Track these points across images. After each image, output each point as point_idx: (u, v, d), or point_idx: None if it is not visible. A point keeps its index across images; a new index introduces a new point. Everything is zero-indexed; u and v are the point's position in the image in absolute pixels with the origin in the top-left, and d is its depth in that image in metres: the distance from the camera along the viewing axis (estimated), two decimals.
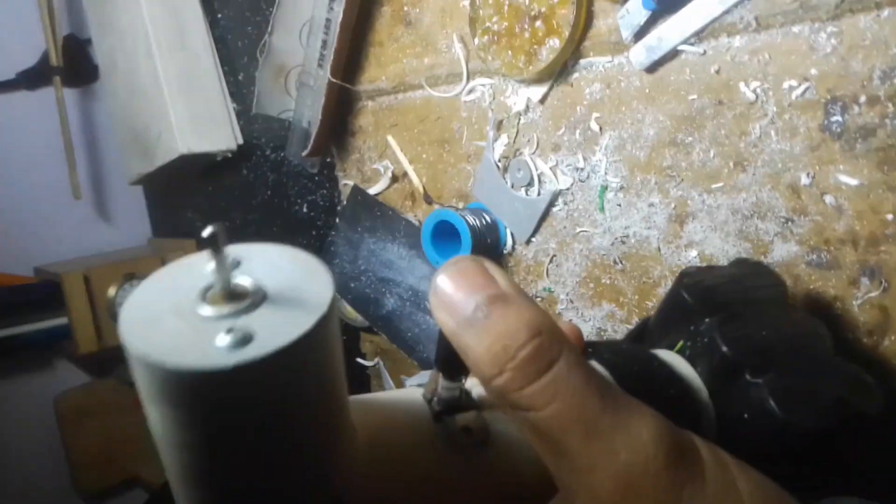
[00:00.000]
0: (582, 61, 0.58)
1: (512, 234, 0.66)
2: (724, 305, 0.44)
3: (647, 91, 0.55)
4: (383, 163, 0.76)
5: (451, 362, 0.26)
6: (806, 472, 0.38)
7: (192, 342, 0.19)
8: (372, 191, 0.77)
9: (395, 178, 0.76)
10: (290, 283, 0.21)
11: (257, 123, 0.91)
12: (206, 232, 0.20)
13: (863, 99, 0.46)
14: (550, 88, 0.60)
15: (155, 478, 1.11)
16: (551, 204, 0.63)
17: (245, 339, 0.19)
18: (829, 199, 0.48)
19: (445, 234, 0.67)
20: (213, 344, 0.19)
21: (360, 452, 0.25)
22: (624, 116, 0.57)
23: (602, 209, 0.60)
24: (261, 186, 0.93)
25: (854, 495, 0.35)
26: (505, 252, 0.67)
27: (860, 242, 0.47)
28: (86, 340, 1.02)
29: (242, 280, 0.21)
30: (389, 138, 0.74)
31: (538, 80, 0.60)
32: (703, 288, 0.46)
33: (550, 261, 0.64)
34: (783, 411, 0.37)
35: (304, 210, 0.88)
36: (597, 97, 0.58)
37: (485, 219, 0.67)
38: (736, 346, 0.40)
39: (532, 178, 0.63)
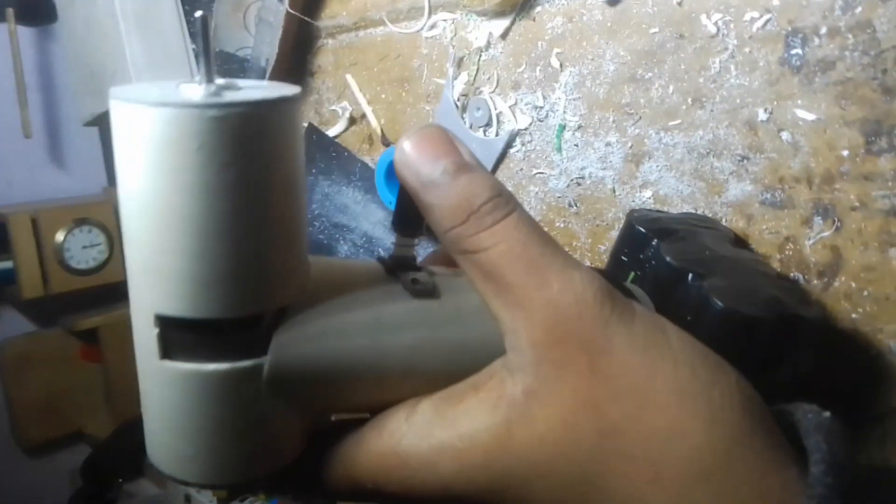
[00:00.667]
0: None
1: None
2: (671, 232, 0.44)
3: (609, 25, 0.53)
4: (342, 104, 0.74)
5: (408, 220, 0.29)
6: (748, 370, 0.38)
7: (172, 95, 0.22)
8: (329, 133, 0.75)
9: (353, 120, 0.73)
10: (262, 85, 0.25)
11: (217, 63, 0.88)
12: (198, 14, 0.23)
13: (823, 30, 0.45)
14: (512, 23, 0.58)
15: (99, 431, 1.08)
16: (509, 145, 0.61)
17: (216, 95, 0.22)
18: (785, 135, 0.47)
19: None
20: (189, 97, 0.22)
21: (311, 277, 0.27)
22: (585, 52, 0.55)
23: (559, 149, 0.58)
24: None
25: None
26: None
27: (815, 180, 0.46)
28: (31, 285, 0.98)
29: (221, 79, 0.24)
30: (349, 77, 0.72)
31: (500, 12, 0.58)
32: (651, 218, 0.46)
33: None
34: (723, 302, 0.37)
35: None
36: (558, 32, 0.56)
37: None
38: (679, 257, 0.41)
39: (491, 118, 0.61)
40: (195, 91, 0.23)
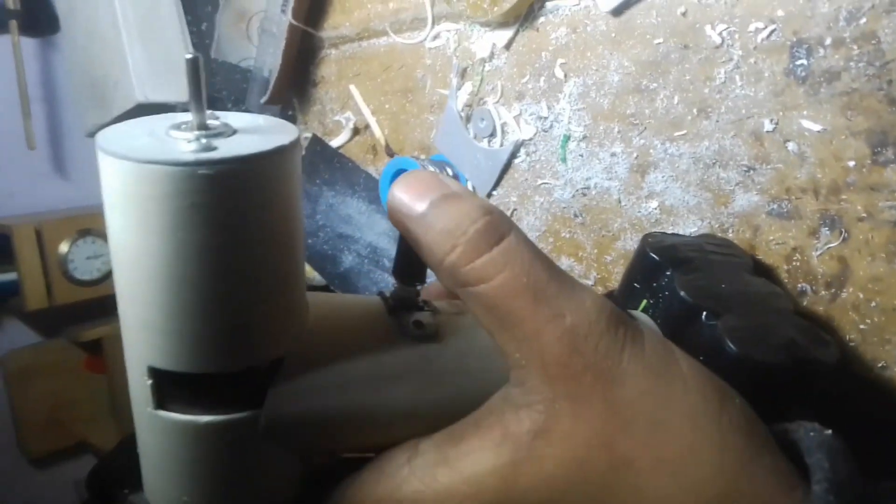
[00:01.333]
0: (548, 4, 0.56)
1: (473, 187, 0.65)
2: (686, 261, 0.43)
3: (613, 35, 0.53)
4: (345, 114, 0.74)
5: (407, 268, 0.28)
6: (761, 414, 0.38)
7: (161, 149, 0.22)
8: (333, 143, 0.75)
9: (356, 130, 0.73)
10: (258, 127, 0.24)
11: (219, 76, 0.88)
12: (188, 56, 0.22)
13: (828, 41, 0.45)
14: (516, 33, 0.58)
15: (104, 442, 1.08)
16: (513, 155, 0.61)
17: (208, 148, 0.22)
18: (791, 146, 0.47)
19: None
20: (179, 149, 0.22)
21: (309, 323, 0.27)
22: (589, 62, 0.55)
23: (564, 160, 0.58)
24: None
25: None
26: None
27: (821, 191, 0.46)
28: (35, 296, 0.98)
29: (214, 120, 0.23)
30: (352, 88, 0.72)
31: (504, 23, 0.58)
32: (666, 245, 0.45)
33: (511, 214, 0.63)
34: (737, 346, 0.36)
35: None
36: (562, 42, 0.56)
37: (446, 171, 0.65)
38: (693, 292, 0.40)
39: (495, 129, 0.61)
40: (186, 140, 0.22)
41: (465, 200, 0.25)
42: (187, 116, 0.23)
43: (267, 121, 0.25)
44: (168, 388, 0.25)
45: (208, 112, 0.23)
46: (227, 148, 0.22)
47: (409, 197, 0.25)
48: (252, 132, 0.24)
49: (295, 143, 0.24)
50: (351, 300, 0.31)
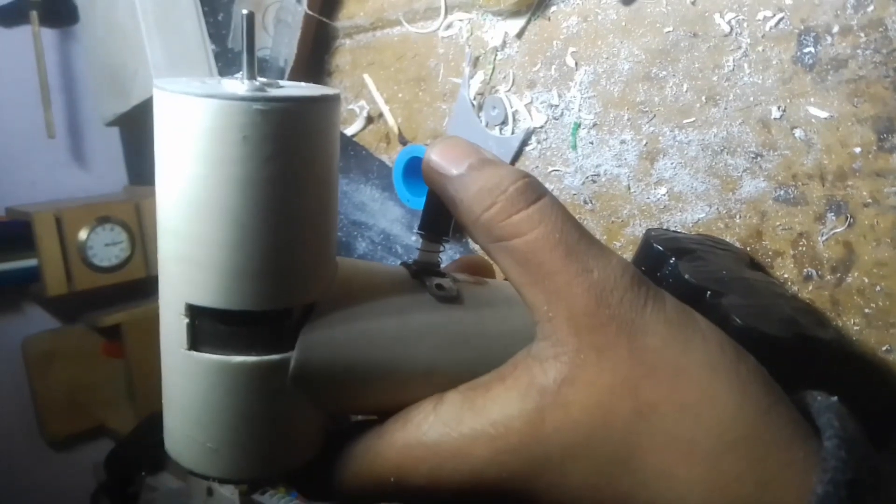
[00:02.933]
0: None
1: None
2: (688, 251, 0.44)
3: (624, 24, 0.54)
4: (359, 103, 0.75)
5: (436, 223, 0.30)
6: None
7: (218, 88, 0.23)
8: (347, 132, 0.76)
9: (370, 119, 0.75)
10: (302, 87, 0.26)
11: (236, 65, 0.89)
12: (244, 12, 0.24)
13: (836, 29, 0.45)
14: (528, 22, 0.59)
15: (122, 426, 1.10)
16: (524, 143, 0.62)
17: (261, 89, 0.24)
18: (798, 132, 0.47)
19: (418, 173, 0.66)
20: (234, 91, 0.23)
21: (338, 278, 0.28)
22: (600, 51, 0.56)
23: (574, 147, 0.59)
24: None
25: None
26: None
27: (828, 177, 0.47)
28: (55, 282, 1.00)
29: (263, 78, 0.25)
30: (366, 77, 0.73)
31: (515, 12, 0.59)
32: (669, 237, 0.46)
33: None
34: (742, 320, 0.37)
35: None
36: (573, 31, 0.57)
37: None
38: (697, 275, 0.41)
39: (506, 116, 0.62)
40: (239, 86, 0.24)
41: (502, 165, 0.27)
42: (238, 76, 0.25)
43: (309, 85, 0.27)
44: (204, 327, 0.26)
45: (259, 78, 0.25)
46: (278, 92, 0.24)
47: (449, 158, 0.27)
48: (298, 87, 0.26)
49: (337, 97, 0.26)
50: (376, 265, 0.32)
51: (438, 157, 0.27)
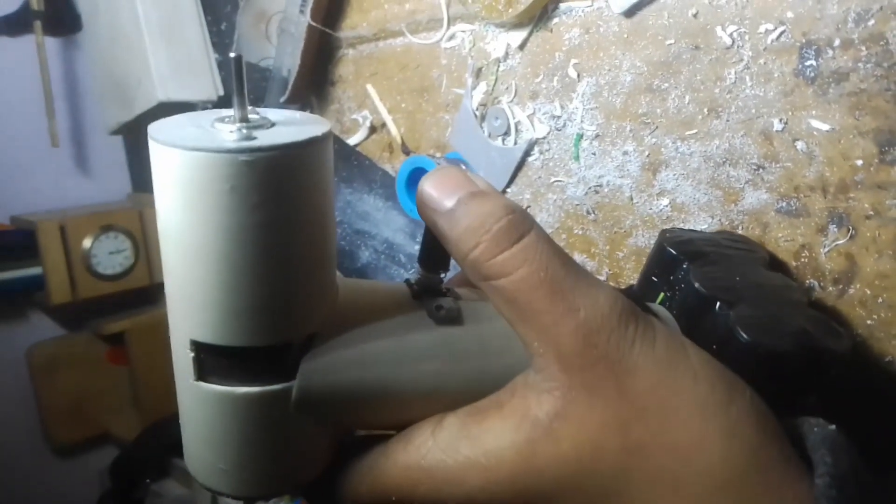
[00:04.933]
0: (562, 5, 0.57)
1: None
2: (702, 255, 0.44)
3: (626, 36, 0.54)
4: (362, 113, 0.75)
5: (431, 257, 0.30)
6: (771, 402, 0.39)
7: (205, 138, 0.24)
8: (350, 141, 0.77)
9: (373, 129, 0.75)
10: (294, 120, 0.26)
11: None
12: (232, 55, 0.25)
13: (837, 42, 0.45)
14: (530, 34, 0.60)
15: (126, 433, 1.11)
16: (527, 153, 0.62)
17: (248, 138, 0.24)
18: (800, 145, 0.48)
19: None
20: (222, 138, 0.24)
21: (339, 303, 0.29)
22: (602, 62, 0.56)
23: (577, 158, 0.59)
24: None
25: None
26: None
27: (829, 189, 0.47)
28: (59, 291, 1.01)
29: (254, 115, 0.25)
30: (369, 87, 0.73)
31: (518, 24, 0.60)
32: (683, 240, 0.46)
33: None
34: (748, 334, 0.37)
35: None
36: (575, 43, 0.57)
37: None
38: (708, 284, 0.41)
39: (509, 127, 0.63)
40: (229, 131, 0.24)
41: (489, 199, 0.26)
42: (231, 111, 0.25)
43: (303, 116, 0.27)
44: (208, 360, 0.27)
45: (249, 108, 0.25)
46: (266, 138, 0.24)
47: (438, 193, 0.27)
48: (289, 124, 0.26)
49: (327, 135, 0.26)
50: (378, 285, 0.33)
51: (431, 189, 0.27)
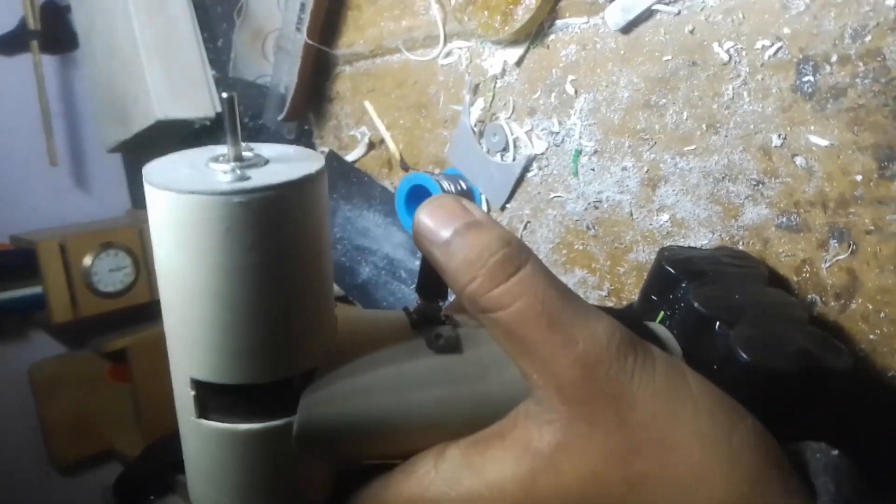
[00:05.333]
0: (558, 22, 0.57)
1: (487, 201, 0.66)
2: (701, 273, 0.44)
3: (622, 52, 0.54)
4: (360, 129, 0.75)
5: (429, 286, 0.30)
6: (773, 421, 0.38)
7: (199, 180, 0.24)
8: (349, 157, 0.77)
9: (371, 145, 0.75)
10: (288, 157, 0.26)
11: (236, 91, 0.90)
12: (224, 95, 0.25)
13: (834, 58, 0.45)
14: (527, 51, 0.60)
15: (129, 449, 1.10)
16: (526, 169, 0.62)
17: (242, 178, 0.24)
18: (799, 160, 0.48)
19: (420, 200, 0.66)
20: (216, 180, 0.24)
21: (338, 336, 0.29)
22: (599, 79, 0.56)
23: (576, 174, 0.59)
24: None
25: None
26: None
27: (829, 204, 0.47)
28: (60, 309, 1.01)
29: (248, 152, 0.26)
30: (367, 104, 0.73)
31: (514, 41, 0.60)
32: (682, 258, 0.46)
33: (525, 227, 0.64)
34: (748, 355, 0.37)
35: None
36: (572, 59, 0.57)
37: (460, 185, 0.66)
38: (707, 303, 0.41)
39: (507, 143, 0.63)
40: (223, 172, 0.24)
41: (485, 230, 0.26)
42: (225, 149, 0.25)
43: (297, 151, 0.27)
44: (209, 398, 0.27)
45: (243, 144, 0.25)
46: (259, 178, 0.24)
47: (434, 223, 0.27)
48: (283, 161, 0.26)
49: (321, 172, 0.26)
50: (377, 315, 0.33)
51: (427, 220, 0.27)
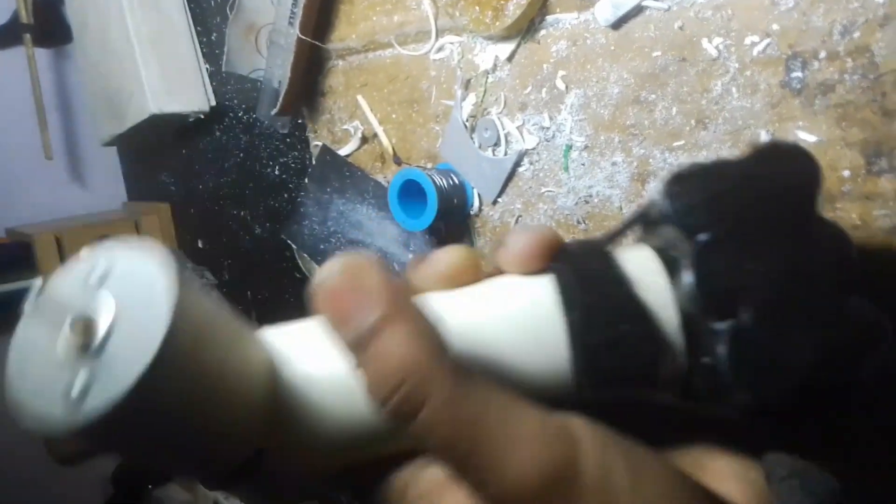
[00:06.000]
0: (549, 18, 0.57)
1: (479, 195, 0.66)
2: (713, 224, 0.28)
3: (612, 48, 0.54)
4: (353, 123, 0.75)
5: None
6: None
7: (46, 395, 0.20)
8: (342, 152, 0.77)
9: (364, 139, 0.75)
10: (132, 296, 0.21)
11: (230, 84, 0.90)
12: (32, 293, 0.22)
13: (823, 54, 0.45)
14: (518, 46, 0.60)
15: None
16: (517, 164, 0.62)
17: (81, 398, 0.20)
18: None
19: (413, 194, 0.66)
20: (58, 399, 0.20)
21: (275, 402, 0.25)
22: (589, 74, 0.56)
23: (566, 169, 0.59)
24: (233, 149, 0.92)
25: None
26: (472, 213, 0.67)
27: None
28: None
29: (101, 306, 0.21)
30: (359, 98, 0.73)
31: (505, 36, 0.60)
32: (693, 203, 0.28)
33: (516, 221, 0.64)
34: (734, 375, 0.26)
35: (276, 172, 0.87)
36: (563, 55, 0.57)
37: (452, 179, 0.66)
38: (705, 283, 0.26)
39: (499, 138, 0.63)
40: (61, 392, 0.20)
41: (382, 355, 0.22)
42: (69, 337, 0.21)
43: (150, 288, 0.21)
44: None
45: (94, 276, 0.22)
46: (101, 387, 0.20)
47: (331, 314, 0.23)
48: (128, 310, 0.21)
49: (181, 306, 0.21)
50: None
51: (324, 306, 0.23)
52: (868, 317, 0.25)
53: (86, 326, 0.21)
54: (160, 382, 0.20)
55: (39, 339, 0.21)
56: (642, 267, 0.25)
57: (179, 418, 0.21)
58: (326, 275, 0.23)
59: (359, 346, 0.22)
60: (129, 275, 0.22)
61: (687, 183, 0.24)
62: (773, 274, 0.24)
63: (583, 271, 0.24)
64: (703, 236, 0.24)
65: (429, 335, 0.22)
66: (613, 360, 0.24)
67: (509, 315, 0.25)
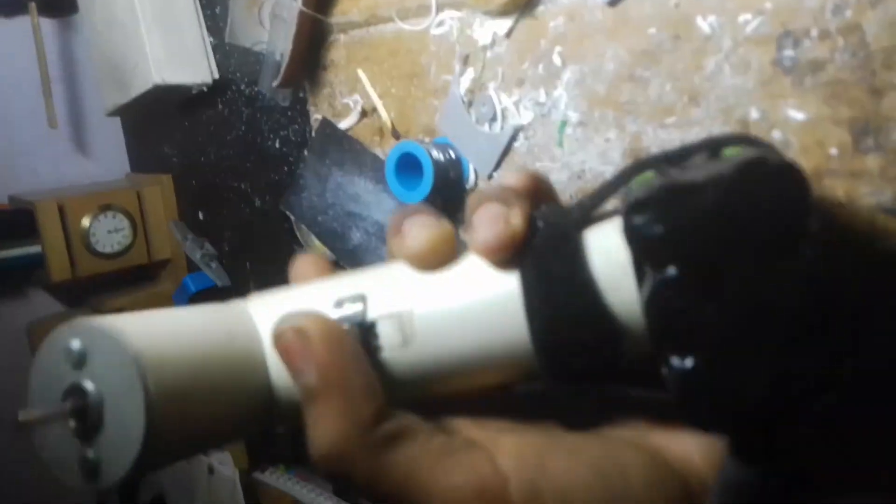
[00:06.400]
0: None
1: (475, 170, 0.67)
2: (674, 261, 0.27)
3: (609, 25, 0.55)
4: (353, 97, 0.76)
5: None
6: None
7: (66, 470, 0.23)
8: (342, 125, 0.77)
9: (364, 113, 0.76)
10: (120, 402, 0.22)
11: (233, 57, 0.90)
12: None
13: (814, 33, 0.46)
14: (516, 22, 0.60)
15: None
16: (513, 139, 0.63)
17: (95, 471, 0.22)
18: (776, 133, 0.49)
19: (410, 168, 0.67)
20: (78, 475, 0.23)
21: None
22: (586, 51, 0.57)
23: (561, 144, 0.60)
24: (235, 121, 0.93)
25: None
26: (468, 187, 0.68)
27: None
28: (59, 269, 1.02)
29: (88, 391, 0.23)
30: (360, 72, 0.74)
31: (504, 12, 0.60)
32: (660, 236, 0.28)
33: None
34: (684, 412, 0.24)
35: (277, 146, 0.88)
36: (560, 31, 0.58)
37: (449, 154, 0.67)
38: (657, 322, 0.24)
39: (496, 113, 0.63)
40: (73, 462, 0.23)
41: (320, 424, 0.23)
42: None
43: (122, 387, 0.22)
44: None
45: (75, 354, 0.23)
46: (108, 464, 0.22)
47: (293, 364, 0.24)
48: (109, 393, 0.23)
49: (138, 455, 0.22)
50: None
51: (282, 352, 0.24)
52: (824, 358, 0.22)
53: (79, 413, 0.23)
54: (158, 442, 0.22)
55: (46, 422, 0.24)
56: (610, 260, 0.24)
57: (187, 446, 0.24)
58: (286, 327, 0.24)
59: (306, 400, 0.23)
60: (103, 357, 0.23)
61: (650, 212, 0.22)
62: (733, 313, 0.22)
63: (547, 274, 0.24)
64: (659, 274, 0.22)
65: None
66: (576, 363, 0.24)
67: (475, 314, 0.25)
